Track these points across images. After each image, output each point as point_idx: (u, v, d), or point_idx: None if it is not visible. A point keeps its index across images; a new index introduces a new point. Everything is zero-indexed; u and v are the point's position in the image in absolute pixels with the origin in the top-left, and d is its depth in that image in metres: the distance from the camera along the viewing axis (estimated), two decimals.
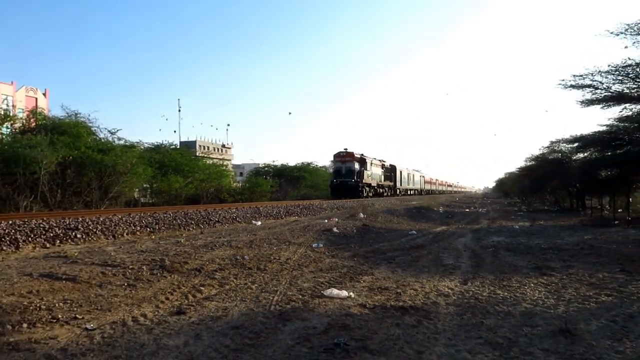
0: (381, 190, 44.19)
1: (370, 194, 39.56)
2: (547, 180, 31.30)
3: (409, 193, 58.90)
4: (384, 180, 45.64)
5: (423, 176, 72.38)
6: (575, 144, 24.17)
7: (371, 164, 39.92)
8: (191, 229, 12.66)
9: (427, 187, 75.42)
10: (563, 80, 16.37)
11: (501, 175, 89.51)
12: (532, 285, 6.49)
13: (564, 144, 26.92)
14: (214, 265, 7.27)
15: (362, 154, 38.35)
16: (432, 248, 10.53)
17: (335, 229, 13.06)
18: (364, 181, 36.67)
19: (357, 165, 36.23)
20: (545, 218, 22.26)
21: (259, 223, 14.88)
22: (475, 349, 3.92)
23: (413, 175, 63.12)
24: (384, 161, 47.22)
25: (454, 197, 66.60)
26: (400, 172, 53.71)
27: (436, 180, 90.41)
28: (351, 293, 5.75)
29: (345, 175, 35.58)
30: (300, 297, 5.59)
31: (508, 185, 71.18)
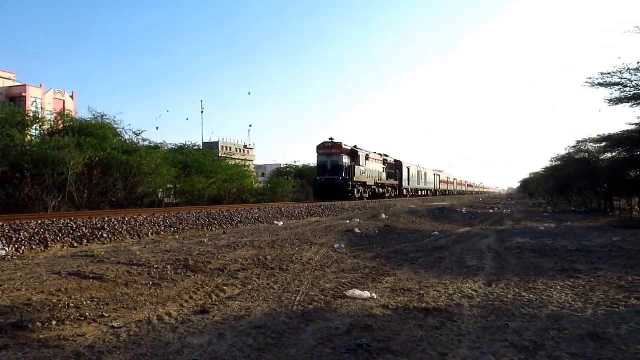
0: (382, 191, 36.56)
1: (366, 195, 32.56)
2: (573, 181, 30.74)
3: (419, 194, 51.60)
4: (387, 179, 38.14)
5: (438, 175, 65.02)
6: (603, 144, 23.69)
7: (367, 158, 32.73)
8: (214, 229, 12.79)
9: (443, 187, 68.00)
10: (590, 78, 16.09)
11: (526, 175, 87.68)
12: (558, 287, 6.36)
13: (591, 144, 26.44)
14: (236, 265, 7.33)
15: (355, 146, 31.50)
16: (455, 249, 10.41)
17: (357, 230, 13.03)
18: (355, 179, 29.54)
19: (346, 159, 29.19)
20: (571, 219, 21.81)
21: (281, 223, 14.95)
22: (500, 352, 3.86)
23: (425, 174, 55.07)
24: (387, 156, 39.58)
25: (478, 198, 65.82)
26: (408, 168, 46.06)
27: (454, 179, 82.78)
28: (373, 294, 5.73)
29: (331, 171, 28.61)
30: (323, 297, 5.59)
31: (533, 186, 70.11)
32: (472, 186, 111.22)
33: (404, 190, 44.18)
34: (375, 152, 36.22)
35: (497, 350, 3.91)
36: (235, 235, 11.20)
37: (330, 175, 28.51)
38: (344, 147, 29.35)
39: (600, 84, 15.91)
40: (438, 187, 63.00)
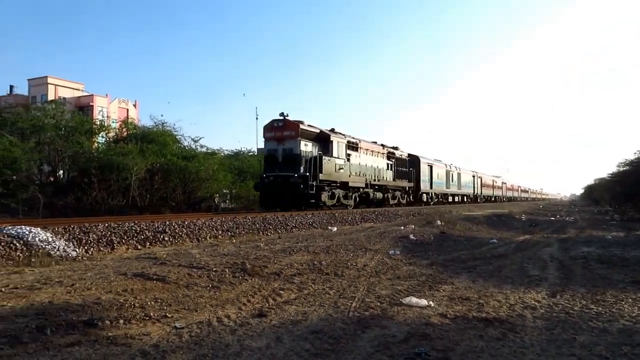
0: (381, 195, 26.28)
1: (350, 202, 22.79)
2: None
3: (449, 200, 41.23)
4: (394, 179, 28.33)
5: (480, 177, 53.36)
6: None
7: (351, 147, 23.06)
8: (269, 234, 12.98)
9: (487, 191, 56.89)
10: None
11: (590, 181, 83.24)
12: (630, 300, 6.00)
13: None
14: (292, 269, 7.40)
15: (332, 129, 22.16)
16: (515, 258, 10.05)
17: (412, 236, 12.85)
18: (324, 177, 19.68)
19: (307, 147, 19.96)
20: None
21: (335, 229, 14.97)
22: None
23: (457, 174, 43.40)
24: (396, 148, 29.88)
25: (537, 205, 63.16)
26: (430, 167, 35.31)
27: (502, 183, 69.68)
28: (431, 302, 5.62)
29: (283, 164, 19.29)
30: (379, 304, 5.55)
31: (598, 192, 66.53)
32: (527, 192, 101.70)
33: (423, 194, 33.81)
34: (375, 143, 27.30)
35: None
36: (290, 240, 11.32)
37: (281, 170, 19.14)
38: (303, 128, 19.92)
39: None
40: (479, 191, 52.34)
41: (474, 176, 50.26)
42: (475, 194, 50.60)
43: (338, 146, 21.70)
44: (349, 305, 5.44)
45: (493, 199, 59.71)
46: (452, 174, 41.78)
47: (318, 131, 21.04)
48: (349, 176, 22.37)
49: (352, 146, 23.28)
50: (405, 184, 30.35)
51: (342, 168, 21.67)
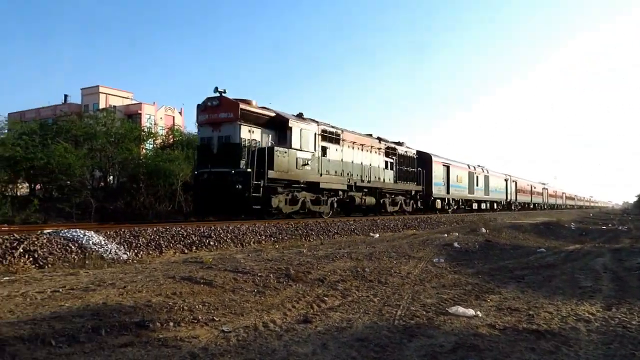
0: (374, 200, 21.41)
1: (326, 210, 18.27)
2: None
3: (474, 207, 35.60)
4: (395, 180, 23.45)
5: (515, 181, 47.10)
6: None
7: (328, 138, 18.29)
8: (311, 240, 13.05)
9: (523, 198, 50.95)
10: None
11: None
12: None
13: None
14: (335, 276, 7.40)
15: (299, 114, 17.63)
16: (565, 268, 9.69)
17: (456, 244, 12.62)
18: (275, 174, 15.07)
19: (252, 134, 15.34)
20: None
21: (377, 236, 14.89)
22: None
23: (485, 177, 37.53)
24: (399, 144, 24.78)
25: (587, 213, 60.69)
26: (447, 167, 29.93)
27: (543, 189, 62.42)
28: (478, 312, 5.49)
29: (219, 157, 14.95)
30: (424, 313, 5.47)
31: None
32: (573, 199, 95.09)
33: (437, 200, 28.29)
34: (370, 136, 22.42)
35: None
36: (332, 247, 11.34)
37: (214, 165, 14.90)
38: (247, 109, 15.15)
39: None
40: (513, 198, 46.11)
41: (506, 180, 44.05)
42: (509, 200, 44.75)
43: (302, 135, 16.69)
44: (394, 313, 5.39)
45: (531, 207, 54.63)
46: (478, 177, 35.84)
47: (273, 114, 16.22)
48: (321, 175, 17.55)
49: (330, 137, 18.46)
50: (411, 187, 25.21)
51: (308, 164, 16.89)
